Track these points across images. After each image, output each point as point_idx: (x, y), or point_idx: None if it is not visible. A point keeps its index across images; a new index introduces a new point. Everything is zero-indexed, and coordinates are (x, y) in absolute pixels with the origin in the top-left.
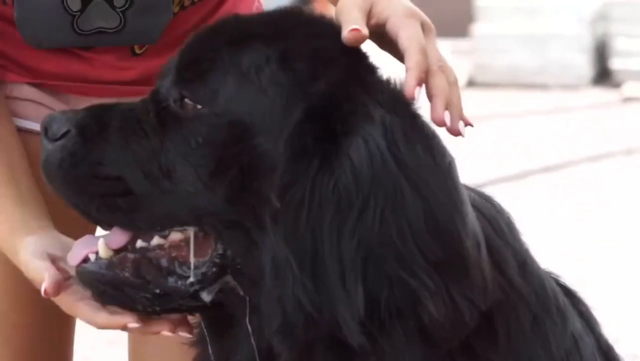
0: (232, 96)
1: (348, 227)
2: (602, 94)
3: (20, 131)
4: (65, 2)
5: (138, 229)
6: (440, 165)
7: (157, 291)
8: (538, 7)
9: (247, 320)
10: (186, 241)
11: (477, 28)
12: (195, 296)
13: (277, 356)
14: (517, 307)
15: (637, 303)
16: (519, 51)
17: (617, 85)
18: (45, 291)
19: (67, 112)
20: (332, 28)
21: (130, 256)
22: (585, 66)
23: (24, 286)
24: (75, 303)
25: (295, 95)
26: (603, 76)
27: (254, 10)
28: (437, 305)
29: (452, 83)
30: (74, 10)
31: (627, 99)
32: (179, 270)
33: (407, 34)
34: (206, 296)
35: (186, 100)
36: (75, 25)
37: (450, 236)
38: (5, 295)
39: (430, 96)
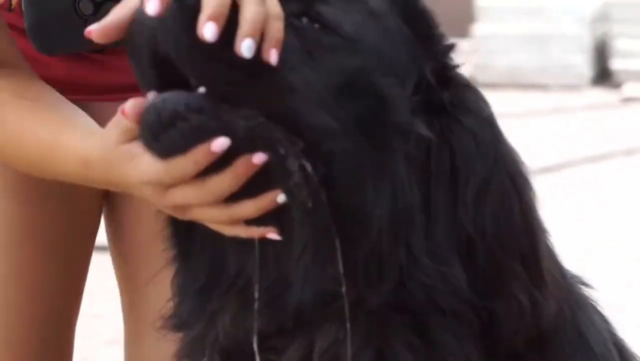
0: (360, 28)
1: (467, 196)
2: (602, 94)
3: None
4: (77, 7)
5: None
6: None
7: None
8: (538, 8)
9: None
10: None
11: (478, 28)
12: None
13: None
14: (564, 307)
15: (637, 303)
16: (519, 51)
17: (617, 85)
18: (123, 110)
19: None
20: None
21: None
22: (585, 66)
23: (32, 300)
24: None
25: (418, 50)
26: (603, 76)
27: None
28: (525, 296)
29: (273, 16)
30: (86, 14)
31: (627, 100)
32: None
33: None
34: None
35: (305, 18)
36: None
37: (534, 234)
38: (14, 310)
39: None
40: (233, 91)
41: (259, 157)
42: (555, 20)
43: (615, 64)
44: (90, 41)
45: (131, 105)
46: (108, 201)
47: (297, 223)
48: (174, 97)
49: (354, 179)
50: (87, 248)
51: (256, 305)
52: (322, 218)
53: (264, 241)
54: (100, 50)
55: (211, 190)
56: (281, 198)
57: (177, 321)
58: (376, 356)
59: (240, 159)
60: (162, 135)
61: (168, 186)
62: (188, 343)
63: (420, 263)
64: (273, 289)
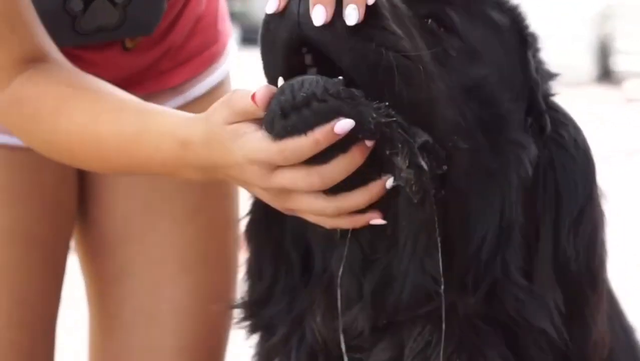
0: (483, 39)
1: (567, 223)
2: (604, 93)
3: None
4: (65, 5)
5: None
6: None
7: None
8: (540, 7)
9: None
10: None
11: None
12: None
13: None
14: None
15: (637, 303)
16: None
17: (619, 84)
18: (254, 97)
19: None
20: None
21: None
22: (587, 66)
23: (18, 303)
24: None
25: (530, 72)
26: (605, 75)
27: (221, 13)
28: (598, 325)
29: None
30: (76, 10)
31: (630, 99)
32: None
33: None
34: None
35: (431, 20)
36: (75, 26)
37: (605, 266)
38: (3, 314)
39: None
40: (371, 81)
41: (370, 143)
42: (557, 20)
43: (618, 64)
44: (77, 38)
45: (263, 92)
46: (81, 198)
47: (402, 216)
48: (312, 80)
49: (468, 183)
50: (66, 248)
51: (339, 303)
52: (428, 215)
53: (357, 237)
54: (84, 46)
55: (322, 174)
56: (390, 182)
57: (259, 323)
58: None
59: (358, 144)
60: (292, 114)
61: (276, 167)
62: (272, 345)
63: (514, 280)
64: (374, 287)
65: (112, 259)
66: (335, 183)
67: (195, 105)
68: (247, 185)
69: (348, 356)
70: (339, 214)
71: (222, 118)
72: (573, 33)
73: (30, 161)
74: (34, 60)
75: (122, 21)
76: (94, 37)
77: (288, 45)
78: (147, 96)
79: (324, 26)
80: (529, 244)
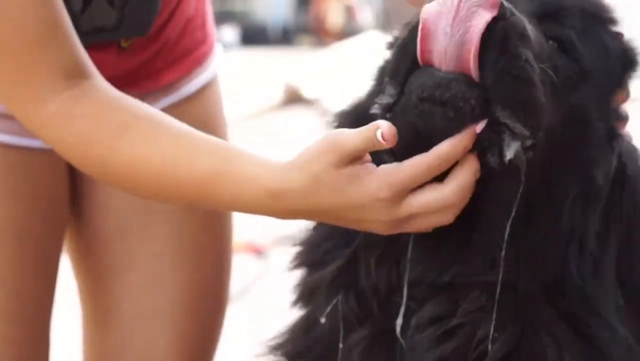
0: (594, 62)
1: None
2: None
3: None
4: (67, 4)
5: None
6: None
7: None
8: None
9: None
10: None
11: None
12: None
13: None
14: None
15: None
16: None
17: None
18: (383, 135)
19: None
20: None
21: None
22: None
23: (15, 300)
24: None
25: (610, 87)
26: None
27: (209, 15)
28: None
29: None
30: (75, 10)
31: (631, 100)
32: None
33: None
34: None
35: (552, 40)
36: (76, 26)
37: None
38: None
39: None
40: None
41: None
42: None
43: None
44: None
45: (390, 128)
46: (73, 195)
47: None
48: (455, 81)
49: (552, 179)
50: (59, 245)
51: (409, 253)
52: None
53: None
54: (82, 41)
55: (454, 188)
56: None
57: (311, 258)
58: (516, 333)
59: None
60: (430, 104)
61: (405, 195)
62: (319, 278)
63: (580, 279)
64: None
65: (109, 255)
66: (471, 191)
67: (186, 103)
68: (362, 223)
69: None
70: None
71: (329, 164)
72: None
73: (24, 159)
74: (78, 75)
75: (120, 22)
76: (93, 37)
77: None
78: (140, 95)
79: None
80: (595, 255)
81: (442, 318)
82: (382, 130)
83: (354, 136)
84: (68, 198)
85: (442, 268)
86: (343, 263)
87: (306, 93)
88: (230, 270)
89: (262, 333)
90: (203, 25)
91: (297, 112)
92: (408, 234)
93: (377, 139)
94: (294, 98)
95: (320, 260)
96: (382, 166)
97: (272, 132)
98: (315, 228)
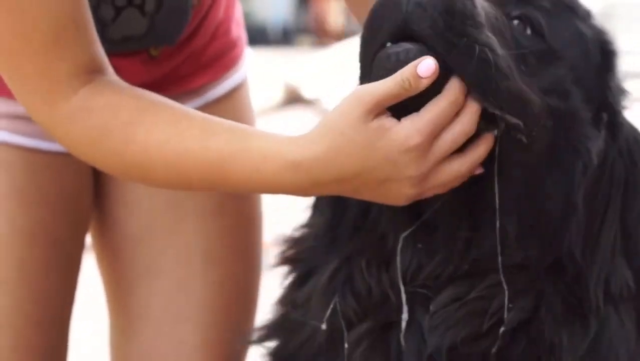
0: (565, 43)
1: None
2: None
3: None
4: (97, 12)
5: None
6: None
7: None
8: None
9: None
10: None
11: None
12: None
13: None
14: None
15: None
16: None
17: None
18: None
19: None
20: None
21: None
22: None
23: (38, 304)
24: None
25: (605, 78)
26: None
27: (238, 19)
28: None
29: None
30: (107, 19)
31: (631, 100)
32: None
33: None
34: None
35: (518, 21)
36: (104, 34)
37: None
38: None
39: None
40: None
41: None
42: None
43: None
44: (105, 45)
45: (430, 62)
46: (98, 196)
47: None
48: (417, 51)
49: (539, 162)
50: (82, 248)
51: (399, 248)
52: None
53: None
54: (112, 53)
55: (464, 124)
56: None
57: (301, 257)
58: (529, 305)
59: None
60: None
61: (432, 141)
62: (315, 285)
63: (577, 257)
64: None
65: (137, 258)
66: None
67: (215, 106)
68: (389, 185)
69: (413, 291)
70: (471, 169)
71: (356, 119)
72: None
73: (48, 162)
74: (95, 71)
75: (149, 30)
76: (121, 45)
77: (391, 35)
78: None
79: (427, 24)
80: (590, 232)
81: (461, 297)
82: (420, 66)
83: (381, 84)
84: (91, 200)
85: (459, 258)
86: (336, 266)
87: (306, 93)
88: (260, 271)
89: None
90: (233, 28)
91: (297, 112)
92: (395, 239)
93: (413, 76)
94: (294, 98)
95: (308, 271)
96: (403, 118)
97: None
98: (302, 227)
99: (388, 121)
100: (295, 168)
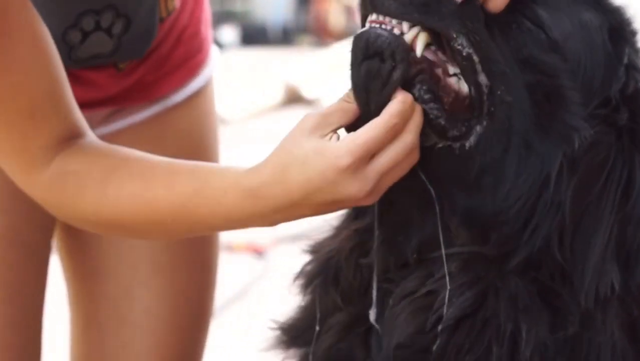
0: (566, 34)
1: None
2: None
3: None
4: (65, 37)
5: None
6: None
7: None
8: None
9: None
10: None
11: None
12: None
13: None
14: None
15: None
16: None
17: None
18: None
19: None
20: None
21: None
22: None
23: (14, 306)
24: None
25: (614, 69)
26: None
27: (205, 19)
28: None
29: None
30: (74, 42)
31: None
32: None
33: None
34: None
35: (519, 14)
36: (71, 55)
37: None
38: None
39: None
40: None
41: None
42: None
43: None
44: (70, 64)
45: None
46: None
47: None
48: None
49: (504, 143)
50: (50, 250)
51: (375, 242)
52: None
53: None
54: (76, 67)
55: (412, 130)
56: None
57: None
58: (474, 298)
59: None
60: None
61: (368, 160)
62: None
63: (553, 253)
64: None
65: (89, 258)
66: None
67: (175, 110)
68: (340, 202)
69: (380, 288)
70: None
71: (300, 135)
72: None
73: None
74: (72, 137)
75: (116, 49)
76: (88, 62)
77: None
78: (131, 107)
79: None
80: (576, 229)
81: (414, 291)
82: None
83: (328, 106)
84: None
85: (411, 247)
86: (324, 259)
87: (306, 93)
88: (214, 284)
89: (262, 333)
90: (199, 31)
91: (297, 112)
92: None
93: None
94: (294, 98)
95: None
96: (343, 136)
97: (272, 132)
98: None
99: (326, 139)
100: (254, 196)
